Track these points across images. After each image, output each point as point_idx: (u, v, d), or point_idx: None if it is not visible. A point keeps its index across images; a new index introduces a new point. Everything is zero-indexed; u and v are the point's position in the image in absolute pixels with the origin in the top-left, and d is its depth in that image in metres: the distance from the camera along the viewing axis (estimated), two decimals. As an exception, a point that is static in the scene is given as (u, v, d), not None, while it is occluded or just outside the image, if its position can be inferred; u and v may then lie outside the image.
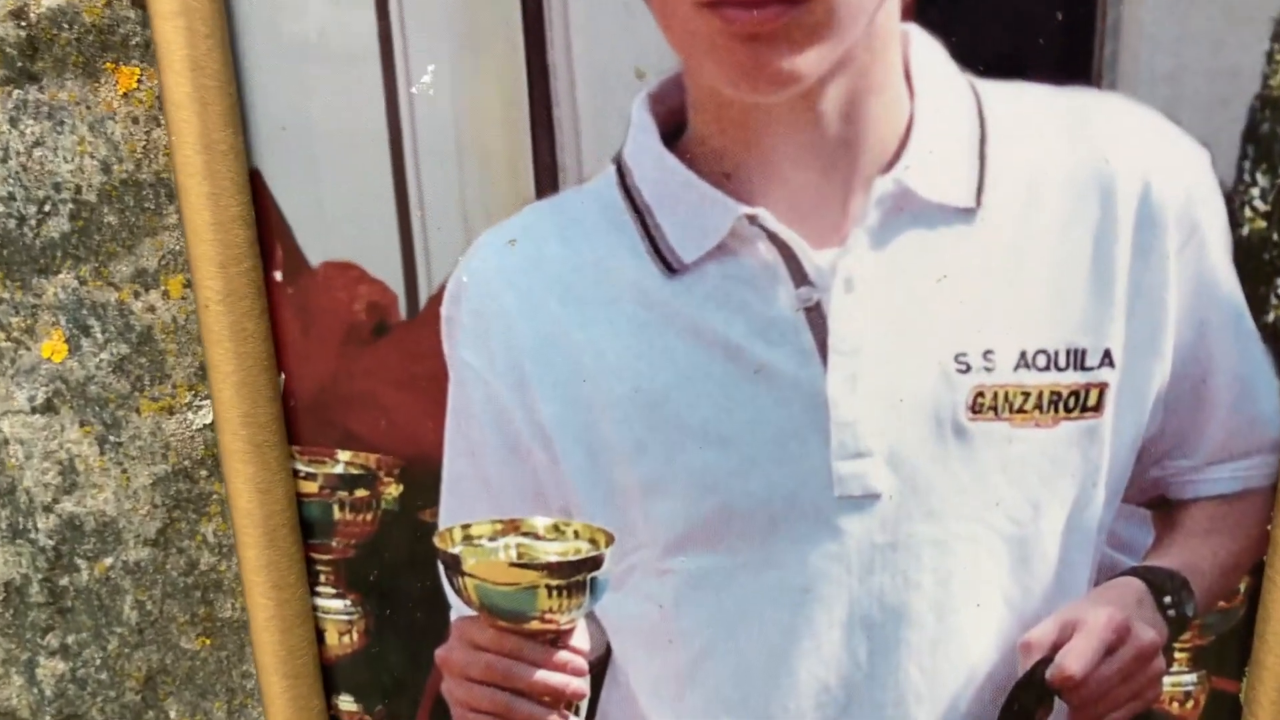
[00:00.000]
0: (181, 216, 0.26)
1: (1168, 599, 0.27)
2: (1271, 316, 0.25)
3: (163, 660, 0.33)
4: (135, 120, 0.28)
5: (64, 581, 0.32)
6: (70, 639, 0.33)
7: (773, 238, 0.25)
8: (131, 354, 0.30)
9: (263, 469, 0.27)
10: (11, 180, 0.29)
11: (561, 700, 0.29)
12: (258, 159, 0.26)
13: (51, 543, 0.32)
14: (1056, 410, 0.26)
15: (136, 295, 0.29)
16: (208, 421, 0.30)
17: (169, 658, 0.33)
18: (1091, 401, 0.26)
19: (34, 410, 0.30)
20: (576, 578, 0.28)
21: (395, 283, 0.26)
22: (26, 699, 0.34)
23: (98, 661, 0.33)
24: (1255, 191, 0.24)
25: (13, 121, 0.28)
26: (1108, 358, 0.25)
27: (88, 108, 0.28)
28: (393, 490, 0.28)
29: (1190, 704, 0.28)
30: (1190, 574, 0.27)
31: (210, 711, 0.34)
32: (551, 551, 0.28)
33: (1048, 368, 0.25)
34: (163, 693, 0.34)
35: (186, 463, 0.30)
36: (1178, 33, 0.23)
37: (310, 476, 0.28)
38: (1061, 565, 0.27)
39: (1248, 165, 0.24)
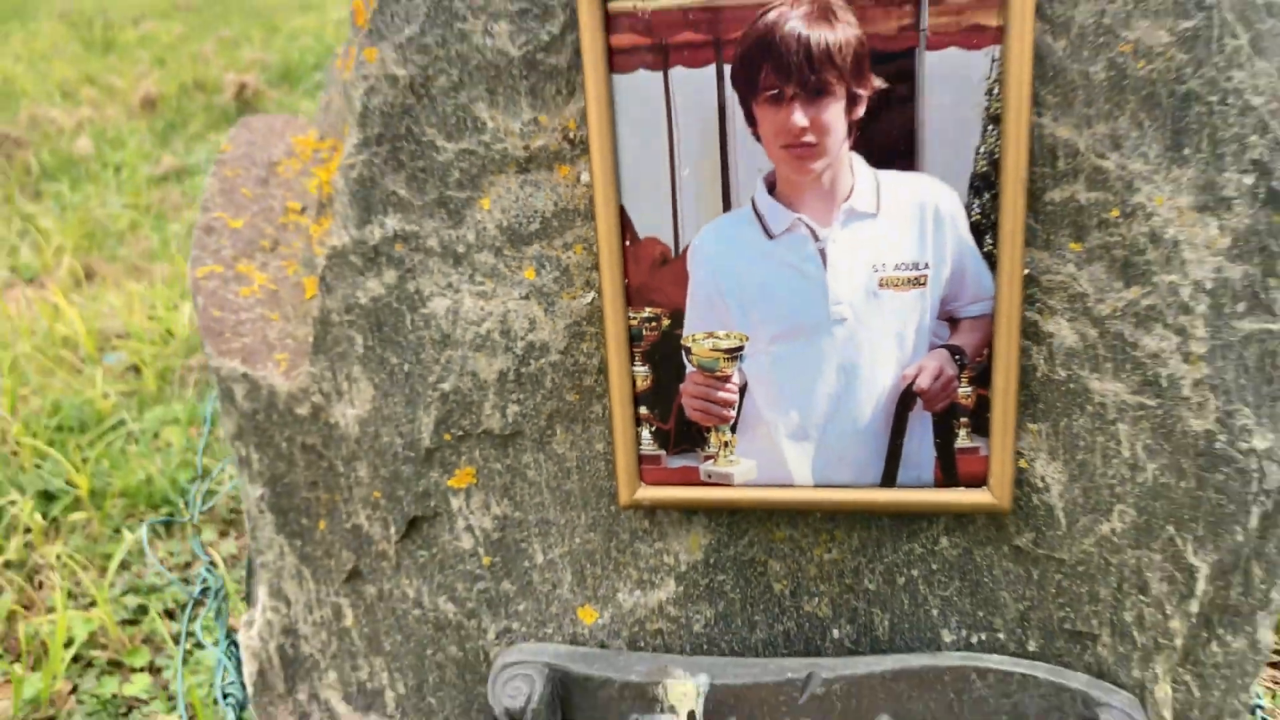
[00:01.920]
0: (595, 222, 0.73)
1: (957, 356, 0.72)
2: (985, 250, 0.70)
3: (557, 408, 0.79)
4: (569, 186, 0.74)
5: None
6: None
7: (807, 224, 0.70)
8: (561, 277, 0.76)
9: (619, 314, 0.73)
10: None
11: (728, 405, 0.75)
12: (624, 199, 0.72)
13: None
14: (910, 285, 0.71)
15: (564, 249, 0.76)
16: (588, 301, 0.76)
17: (561, 407, 0.79)
18: (922, 281, 0.71)
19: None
20: (735, 354, 0.74)
21: (670, 244, 0.72)
22: (498, 422, 0.80)
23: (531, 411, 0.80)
24: (975, 204, 0.69)
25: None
26: (926, 265, 0.70)
27: (552, 186, 0.75)
28: (666, 322, 0.74)
29: (970, 399, 0.73)
30: (965, 347, 0.72)
31: (576, 431, 0.80)
32: (724, 344, 0.74)
33: (906, 269, 0.70)
34: (556, 424, 0.80)
35: (581, 321, 0.77)
36: (948, 139, 0.68)
37: (633, 317, 0.74)
38: (915, 346, 0.72)
39: (972, 194, 0.69)
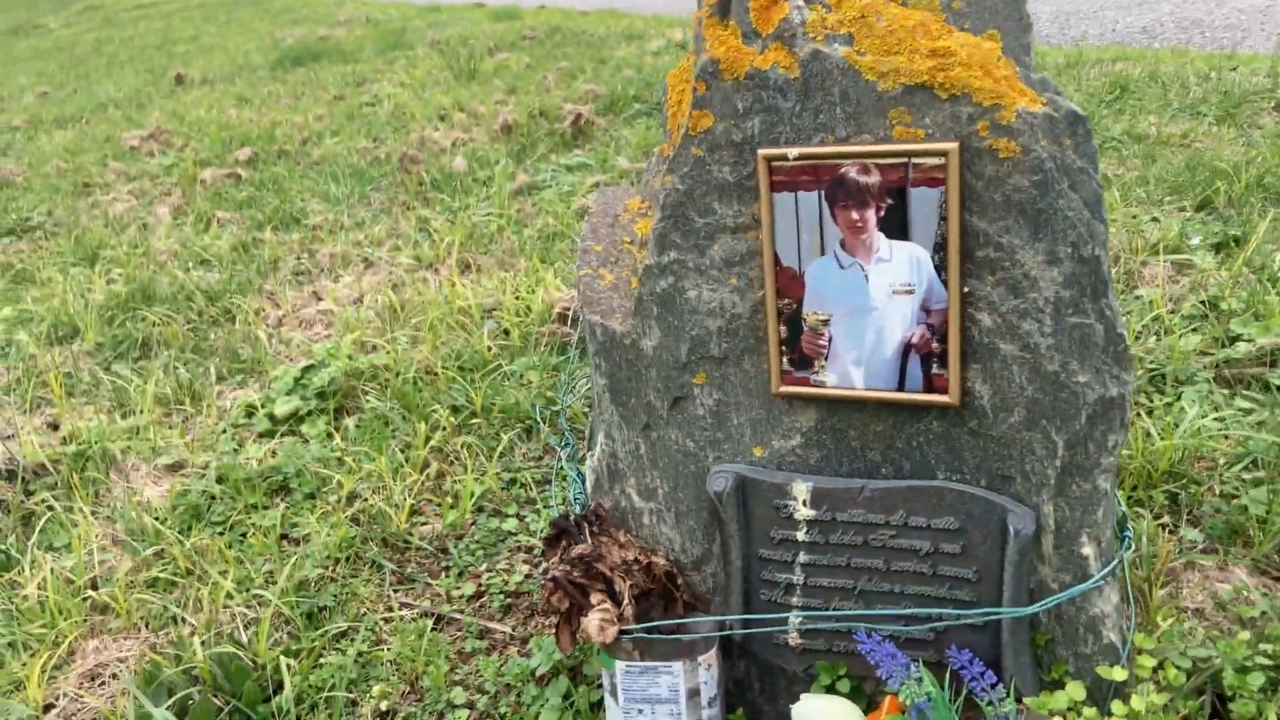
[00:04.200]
0: (763, 258, 1.57)
1: (932, 328, 1.49)
2: (942, 279, 1.47)
3: (745, 346, 1.64)
4: (754, 241, 1.58)
5: (729, 326, 1.64)
6: (728, 339, 1.65)
7: (859, 263, 1.51)
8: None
9: (773, 302, 1.57)
10: (729, 250, 1.61)
11: (823, 347, 1.56)
12: (776, 248, 1.55)
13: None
14: (907, 293, 1.49)
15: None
16: (759, 295, 1.60)
17: (747, 345, 1.64)
18: (913, 291, 1.48)
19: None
20: (826, 322, 1.55)
21: (797, 269, 1.55)
22: (718, 352, 1.66)
23: (733, 344, 1.65)
24: (936, 257, 1.47)
25: (731, 240, 1.60)
26: (914, 285, 1.48)
27: (746, 241, 1.59)
28: (795, 306, 1.57)
29: (939, 349, 1.50)
30: (935, 324, 1.49)
31: (754, 358, 1.64)
32: (821, 316, 1.55)
33: (905, 286, 1.49)
34: (744, 354, 1.64)
35: (757, 304, 1.61)
36: (922, 226, 1.46)
37: (779, 303, 1.57)
38: (911, 322, 1.50)
39: (934, 252, 1.46)
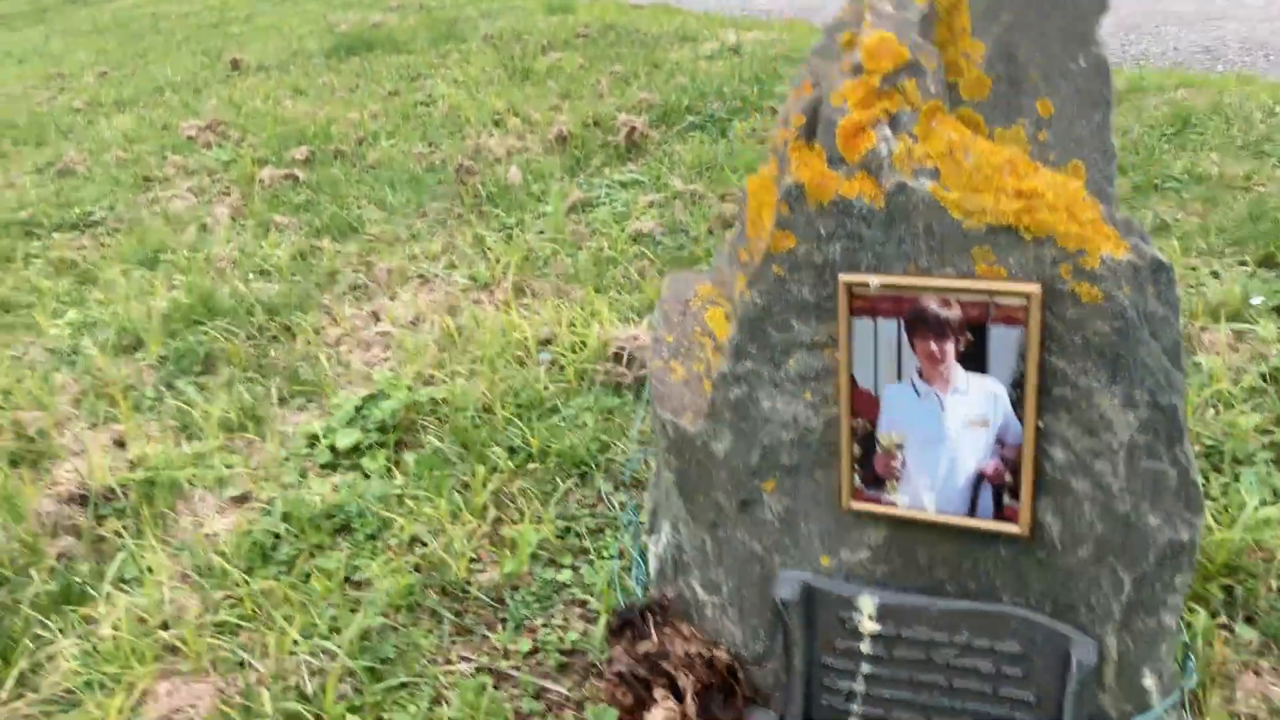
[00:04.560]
0: (839, 377, 1.59)
1: (1006, 462, 1.51)
2: (1018, 414, 1.49)
3: (815, 458, 1.66)
4: (829, 359, 1.61)
5: (802, 439, 1.67)
6: (800, 451, 1.68)
7: (935, 392, 1.53)
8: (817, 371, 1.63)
9: (848, 419, 1.59)
10: (805, 367, 1.63)
11: (896, 469, 1.59)
12: (853, 370, 1.58)
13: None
14: (982, 425, 1.51)
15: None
16: (834, 411, 1.62)
17: (818, 458, 1.66)
18: (988, 424, 1.50)
19: (803, 407, 1.65)
20: (900, 446, 1.57)
21: (871, 391, 1.57)
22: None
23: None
24: (1013, 393, 1.48)
25: (807, 357, 1.62)
26: (989, 418, 1.50)
27: (821, 358, 1.61)
28: (869, 427, 1.59)
29: (1011, 481, 1.52)
30: (1009, 457, 1.51)
31: (824, 470, 1.67)
32: (895, 440, 1.58)
33: (980, 418, 1.51)
34: (815, 466, 1.67)
35: (830, 420, 1.63)
36: (1001, 361, 1.48)
37: (854, 422, 1.60)
38: (985, 453, 1.52)
39: (1012, 388, 1.48)
